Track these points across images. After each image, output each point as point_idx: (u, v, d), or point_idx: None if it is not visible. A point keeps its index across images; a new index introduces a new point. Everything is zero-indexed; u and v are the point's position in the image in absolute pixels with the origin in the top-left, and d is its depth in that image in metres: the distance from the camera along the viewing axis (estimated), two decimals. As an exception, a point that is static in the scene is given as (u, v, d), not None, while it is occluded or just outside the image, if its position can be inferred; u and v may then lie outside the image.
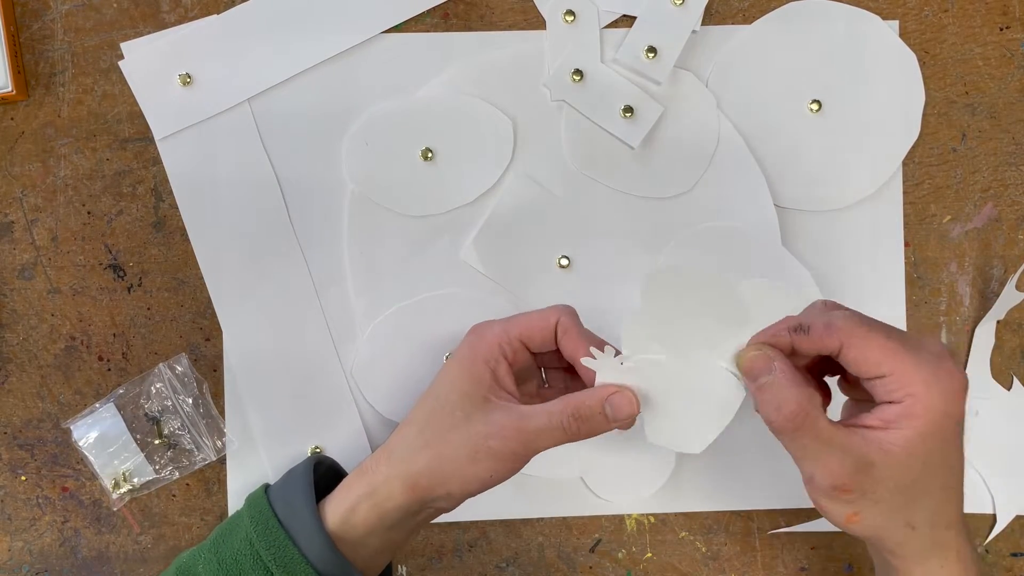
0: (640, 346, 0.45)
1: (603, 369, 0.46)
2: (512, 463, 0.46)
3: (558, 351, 0.48)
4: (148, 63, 0.55)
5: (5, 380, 0.55)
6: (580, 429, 0.45)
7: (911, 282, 0.58)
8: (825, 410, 0.43)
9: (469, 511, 0.57)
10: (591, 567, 0.57)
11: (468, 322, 0.56)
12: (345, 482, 0.48)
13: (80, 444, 0.54)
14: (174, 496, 0.56)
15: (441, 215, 0.56)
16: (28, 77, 0.55)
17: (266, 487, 0.50)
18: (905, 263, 0.58)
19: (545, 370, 0.52)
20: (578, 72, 0.56)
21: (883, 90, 0.57)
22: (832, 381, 0.46)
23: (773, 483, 0.57)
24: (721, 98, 0.57)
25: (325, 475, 0.51)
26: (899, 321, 0.58)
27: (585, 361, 0.46)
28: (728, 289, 0.44)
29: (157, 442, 0.55)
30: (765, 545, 0.58)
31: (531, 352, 0.49)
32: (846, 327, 0.41)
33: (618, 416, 0.45)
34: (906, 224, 0.58)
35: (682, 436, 0.46)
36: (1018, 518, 0.58)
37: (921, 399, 0.40)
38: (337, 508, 0.47)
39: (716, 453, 0.57)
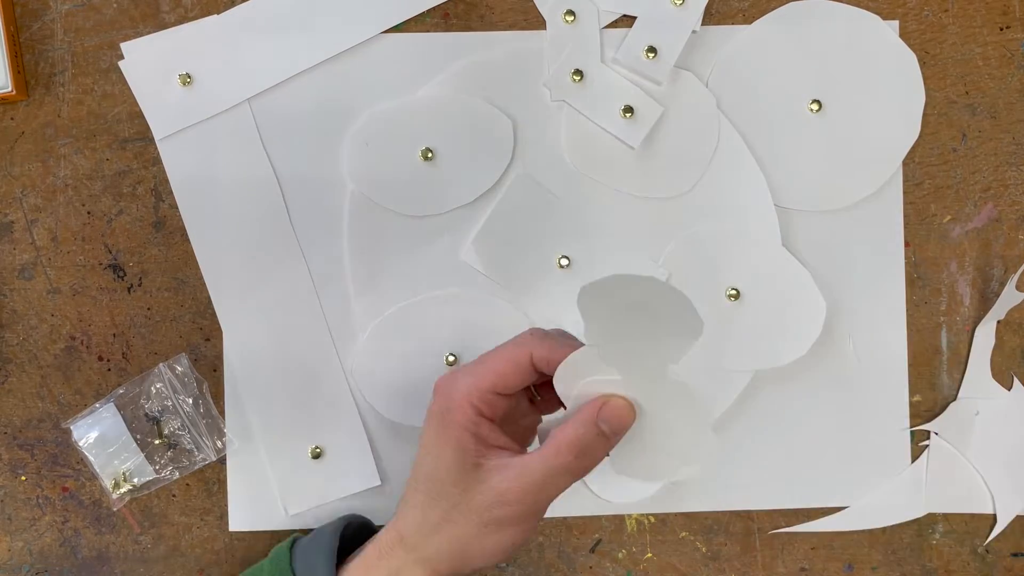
0: (593, 368, 0.40)
1: (577, 376, 0.41)
2: (528, 522, 0.43)
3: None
4: (148, 63, 0.55)
5: (5, 380, 0.56)
6: (585, 465, 0.42)
7: (911, 282, 0.58)
8: None
9: (469, 511, 0.57)
10: (591, 567, 0.57)
11: (468, 322, 0.56)
12: (364, 560, 0.46)
13: (80, 444, 0.54)
14: (174, 496, 0.56)
15: (441, 215, 0.56)
16: (28, 77, 0.55)
17: (293, 541, 0.48)
18: (905, 263, 0.58)
19: (535, 385, 0.47)
20: (578, 72, 0.56)
21: (883, 90, 0.57)
22: None
23: (773, 483, 0.57)
24: (721, 98, 0.57)
25: (357, 534, 0.49)
26: (899, 321, 0.58)
27: (558, 387, 0.41)
28: (663, 291, 0.38)
29: (157, 442, 0.55)
30: (765, 545, 0.58)
31: (509, 395, 0.44)
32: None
33: (619, 429, 0.41)
34: (906, 224, 0.58)
35: (651, 465, 0.42)
36: (1018, 518, 0.58)
37: None
38: None
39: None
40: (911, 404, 0.58)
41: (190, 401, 0.55)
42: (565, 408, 0.42)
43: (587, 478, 0.56)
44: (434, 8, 0.56)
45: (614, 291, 0.38)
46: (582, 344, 0.42)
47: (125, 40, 0.55)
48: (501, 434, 0.43)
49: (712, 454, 0.41)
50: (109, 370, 0.56)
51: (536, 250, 0.56)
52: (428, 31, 0.56)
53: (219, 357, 0.56)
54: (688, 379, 0.40)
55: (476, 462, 0.42)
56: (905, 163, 0.58)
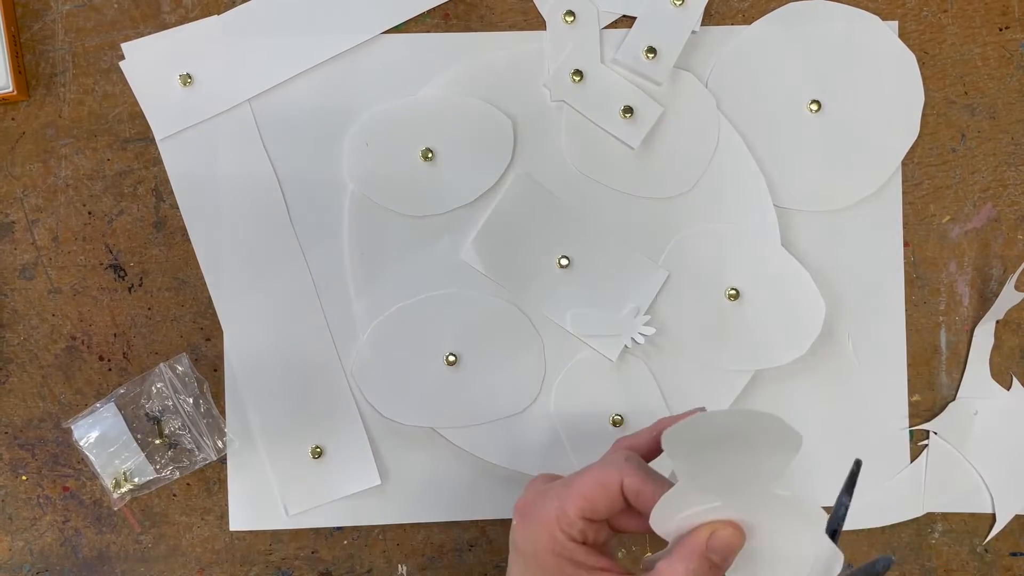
0: (691, 501, 0.39)
1: (674, 512, 0.39)
2: None
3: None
4: (149, 63, 0.55)
5: (6, 380, 0.56)
6: None
7: (910, 282, 0.58)
8: None
9: (469, 511, 0.57)
10: (591, 567, 0.57)
11: (468, 322, 0.56)
12: None
13: (81, 444, 0.55)
14: (175, 496, 0.56)
15: (441, 215, 0.56)
16: (29, 77, 0.55)
17: None
18: (905, 263, 0.58)
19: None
20: (578, 72, 0.56)
21: (883, 90, 0.57)
22: None
23: (773, 483, 0.57)
24: (721, 98, 0.57)
25: None
26: (899, 321, 0.58)
27: (657, 528, 0.39)
28: (750, 418, 0.37)
29: (158, 442, 0.55)
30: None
31: (597, 520, 0.41)
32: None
33: (729, 556, 0.39)
34: (905, 224, 0.58)
35: None
36: (1017, 518, 0.58)
37: None
38: None
39: (716, 453, 0.57)
40: (910, 404, 0.58)
41: (191, 401, 0.55)
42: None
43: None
44: (434, 8, 0.56)
45: (699, 428, 0.37)
46: (664, 475, 0.41)
47: (126, 40, 0.55)
48: (599, 555, 0.41)
49: (833, 561, 0.40)
50: (110, 370, 0.56)
51: (536, 250, 0.56)
52: (428, 31, 0.56)
53: (219, 357, 0.56)
54: (794, 491, 0.39)
55: None
56: (904, 163, 0.58)
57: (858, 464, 0.42)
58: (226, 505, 0.56)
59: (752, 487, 0.39)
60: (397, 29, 0.56)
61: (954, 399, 0.58)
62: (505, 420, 0.56)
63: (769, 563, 0.40)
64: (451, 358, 0.56)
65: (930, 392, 0.58)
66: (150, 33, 0.55)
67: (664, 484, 0.40)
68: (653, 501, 0.39)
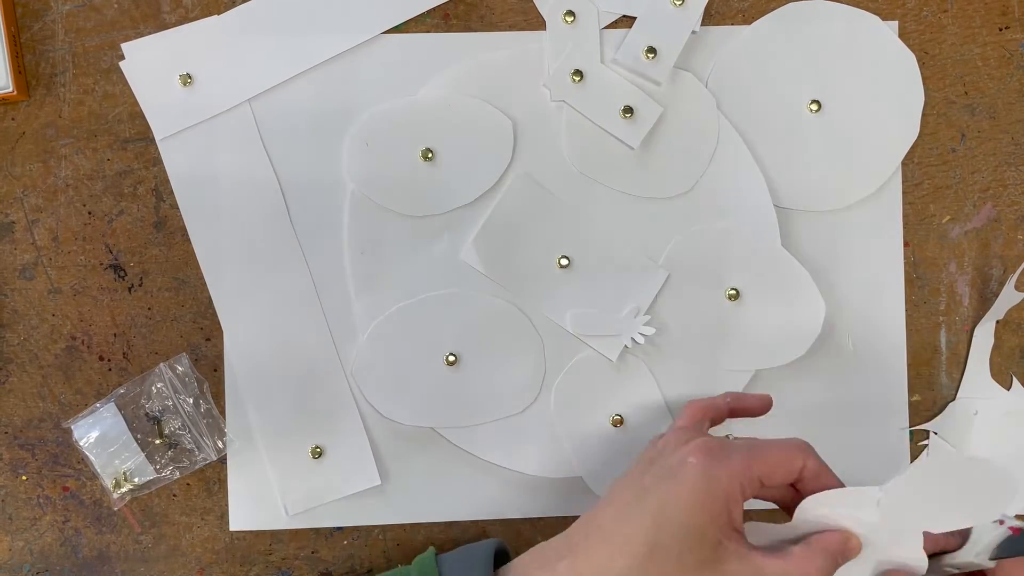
0: (854, 505, 0.42)
1: (835, 506, 0.42)
2: None
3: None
4: (149, 63, 0.55)
5: (6, 380, 0.56)
6: None
7: (910, 282, 0.58)
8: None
9: (469, 511, 0.57)
10: None
11: (468, 322, 0.56)
12: (518, 567, 0.44)
13: (81, 444, 0.55)
14: (175, 496, 0.56)
15: (441, 215, 0.56)
16: (29, 77, 0.55)
17: (436, 553, 0.47)
18: (905, 263, 0.58)
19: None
20: (578, 72, 0.56)
21: (883, 90, 0.57)
22: None
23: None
24: (721, 98, 0.57)
25: (496, 559, 0.47)
26: (899, 321, 0.58)
27: (810, 504, 0.42)
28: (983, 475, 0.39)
29: (158, 442, 0.55)
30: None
31: (767, 487, 0.43)
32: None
33: (843, 563, 0.42)
34: (906, 224, 0.58)
35: None
36: (1018, 518, 0.58)
37: None
38: None
39: (716, 453, 0.57)
40: (910, 404, 0.58)
41: (191, 401, 0.55)
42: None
43: (587, 478, 0.56)
44: (434, 8, 0.56)
45: (950, 468, 0.40)
46: (837, 479, 0.44)
47: (126, 40, 0.55)
48: (741, 521, 0.42)
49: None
50: (110, 370, 0.56)
51: (536, 250, 0.56)
52: (428, 31, 0.56)
53: (219, 357, 0.56)
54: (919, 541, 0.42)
55: (719, 539, 0.41)
56: (904, 163, 0.58)
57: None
58: (226, 505, 0.56)
59: (911, 527, 0.41)
60: (397, 29, 0.56)
61: (954, 399, 0.58)
62: (505, 420, 0.56)
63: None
64: (451, 358, 0.56)
65: (930, 392, 0.58)
66: (150, 33, 0.55)
67: (834, 478, 0.43)
68: (822, 487, 0.42)
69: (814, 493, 0.43)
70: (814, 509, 0.42)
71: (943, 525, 0.41)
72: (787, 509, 0.45)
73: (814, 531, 0.43)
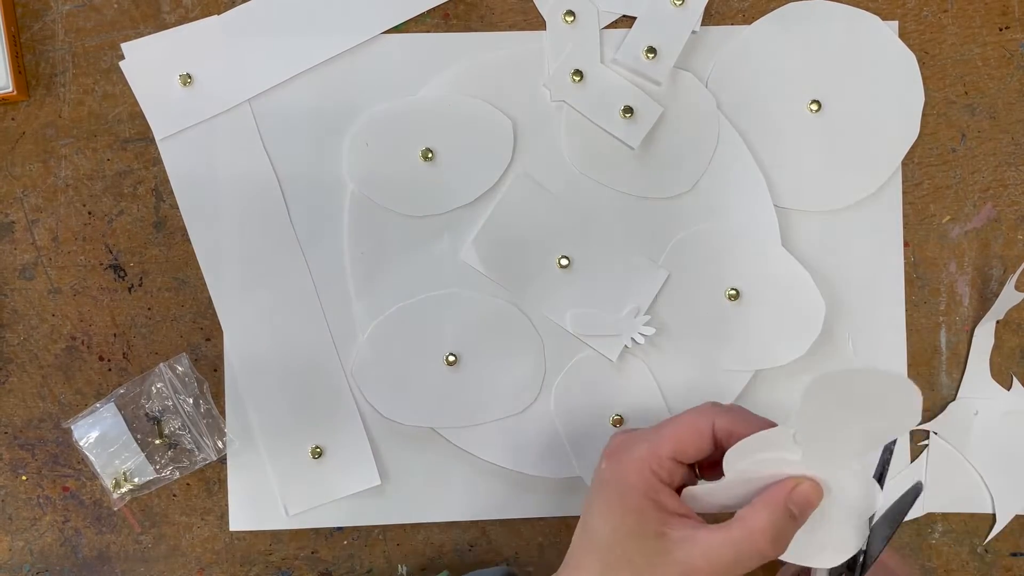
0: (773, 446, 0.40)
1: (754, 451, 0.40)
2: None
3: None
4: (149, 63, 0.55)
5: (6, 380, 0.56)
6: (778, 551, 0.40)
7: (911, 282, 0.58)
8: None
9: (469, 511, 0.57)
10: (591, 567, 0.57)
11: (468, 322, 0.56)
12: None
13: (81, 444, 0.55)
14: (175, 496, 0.56)
15: (441, 215, 0.56)
16: (29, 77, 0.55)
17: None
18: (905, 263, 0.58)
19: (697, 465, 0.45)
20: (578, 72, 0.56)
21: (883, 90, 0.57)
22: None
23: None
24: (721, 98, 0.57)
25: None
26: (899, 321, 0.58)
27: (731, 458, 0.40)
28: (892, 383, 0.38)
29: (158, 442, 0.55)
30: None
31: (686, 463, 0.43)
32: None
33: (806, 513, 0.40)
34: (906, 224, 0.58)
35: (817, 549, 0.41)
36: (1017, 518, 0.58)
37: None
38: None
39: (716, 453, 0.57)
40: (910, 404, 0.58)
41: (191, 401, 0.55)
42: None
43: (587, 478, 0.56)
44: (434, 8, 0.56)
45: (839, 383, 0.38)
46: (762, 419, 0.42)
47: (126, 40, 0.55)
48: (681, 502, 0.42)
49: (858, 546, 0.42)
50: (110, 370, 0.56)
51: (536, 250, 0.56)
52: (428, 31, 0.56)
53: (219, 357, 0.56)
54: (869, 472, 0.41)
55: (659, 530, 0.40)
56: (904, 163, 0.58)
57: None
58: (226, 505, 0.56)
59: (843, 453, 0.40)
60: (397, 29, 0.56)
61: (954, 399, 0.58)
62: (505, 420, 0.56)
63: (812, 532, 0.41)
64: (451, 358, 0.56)
65: (930, 392, 0.58)
66: (150, 33, 0.55)
67: (755, 427, 0.41)
68: (741, 437, 0.40)
69: None
70: (736, 462, 0.41)
71: (865, 442, 0.40)
72: None
73: (752, 482, 0.41)
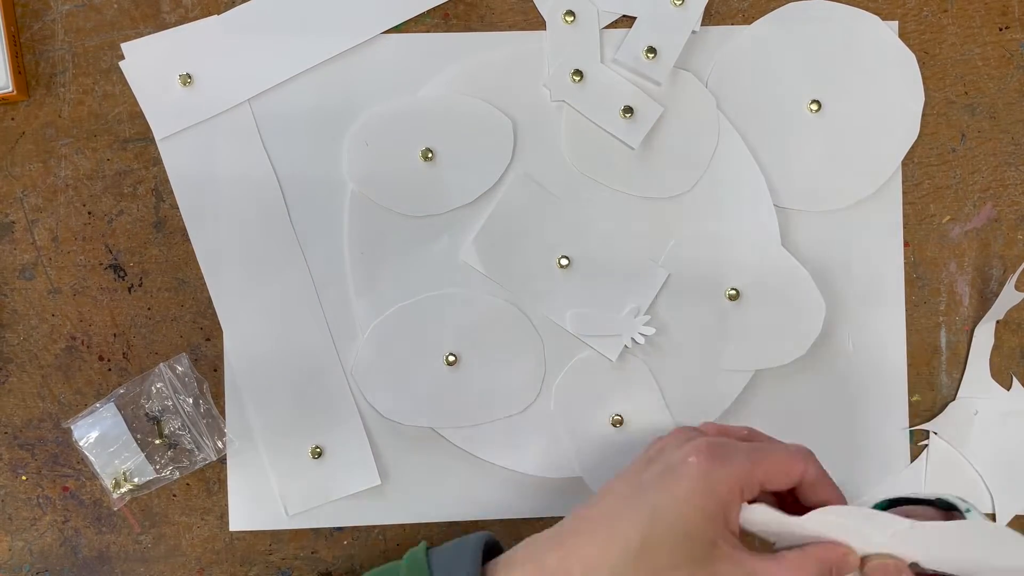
0: (854, 522, 0.42)
1: (853, 529, 0.41)
2: None
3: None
4: (148, 63, 0.55)
5: (5, 380, 0.56)
6: None
7: (911, 282, 0.58)
8: None
9: (469, 511, 0.57)
10: None
11: (468, 322, 0.56)
12: (509, 560, 0.43)
13: (80, 444, 0.55)
14: (175, 496, 0.56)
15: (441, 215, 0.56)
16: (29, 77, 0.55)
17: (427, 547, 0.46)
18: (905, 263, 0.58)
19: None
20: (578, 72, 0.56)
21: (883, 90, 0.57)
22: None
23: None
24: (721, 98, 0.57)
25: (489, 552, 0.47)
26: (899, 321, 0.58)
27: (815, 516, 0.41)
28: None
29: (157, 442, 0.55)
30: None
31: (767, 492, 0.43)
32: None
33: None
34: (906, 224, 0.58)
35: None
36: (1017, 518, 0.58)
37: None
38: None
39: (716, 453, 0.57)
40: (910, 404, 0.58)
41: (190, 401, 0.55)
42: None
43: (587, 478, 0.56)
44: (434, 8, 0.56)
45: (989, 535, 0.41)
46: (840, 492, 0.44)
47: (126, 40, 0.55)
48: (736, 521, 0.42)
49: None
50: (110, 370, 0.56)
51: (536, 250, 0.56)
52: (428, 31, 0.56)
53: (219, 357, 0.56)
54: None
55: (714, 540, 0.41)
56: (904, 163, 0.58)
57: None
58: (226, 505, 0.56)
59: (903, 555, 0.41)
60: (397, 29, 0.56)
61: (954, 399, 0.58)
62: (505, 420, 0.56)
63: None
64: (451, 358, 0.56)
65: (930, 392, 0.58)
66: (150, 33, 0.55)
67: (834, 488, 0.43)
68: (829, 495, 0.42)
69: (811, 500, 0.43)
70: (824, 515, 0.42)
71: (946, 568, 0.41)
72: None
73: (816, 536, 0.42)
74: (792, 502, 0.44)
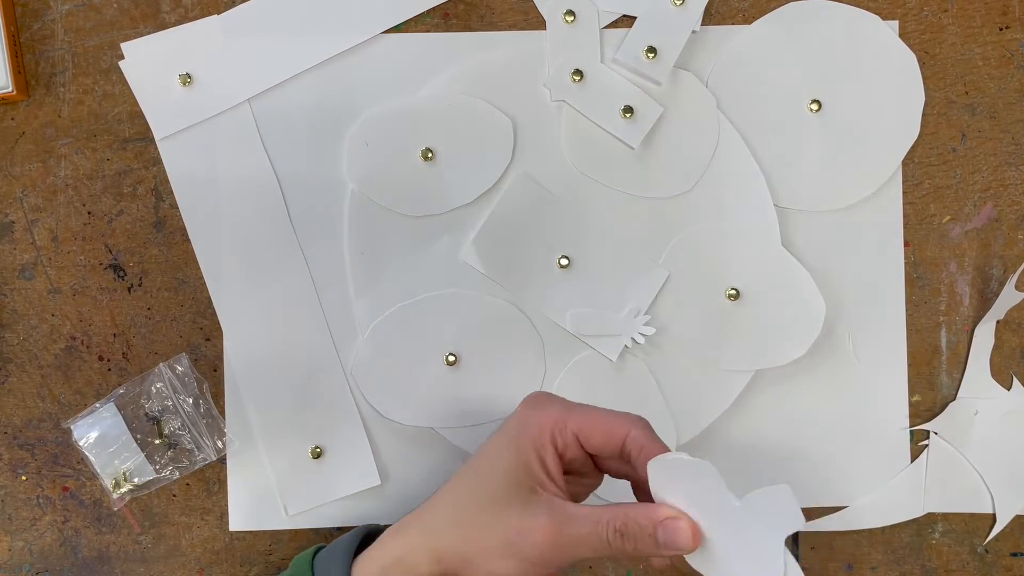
0: (687, 476, 0.41)
1: (661, 482, 0.41)
2: (542, 568, 0.42)
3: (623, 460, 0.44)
4: (148, 63, 0.55)
5: (5, 380, 0.56)
6: (625, 547, 0.41)
7: (911, 282, 0.58)
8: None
9: (469, 511, 0.57)
10: (591, 567, 0.57)
11: (468, 322, 0.56)
12: (381, 538, 0.47)
13: (80, 444, 0.55)
14: (174, 496, 0.56)
15: (441, 215, 0.56)
16: (28, 77, 0.55)
17: (317, 549, 0.49)
18: (905, 263, 0.58)
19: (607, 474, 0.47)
20: (578, 72, 0.56)
21: (883, 90, 0.57)
22: None
23: (773, 483, 0.57)
24: (721, 98, 0.57)
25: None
26: (899, 321, 0.58)
27: (651, 464, 0.41)
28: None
29: (157, 442, 0.55)
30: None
31: (585, 450, 0.44)
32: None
33: (670, 545, 0.40)
34: (906, 224, 0.58)
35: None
36: (1017, 518, 0.58)
37: None
38: (369, 567, 0.46)
39: (715, 453, 0.57)
40: (910, 404, 0.58)
41: (190, 401, 0.55)
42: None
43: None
44: (434, 8, 0.56)
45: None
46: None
47: (125, 40, 0.55)
48: (560, 474, 0.44)
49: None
50: (109, 370, 0.56)
51: (536, 250, 0.56)
52: (428, 31, 0.56)
53: (219, 357, 0.56)
54: (752, 508, 0.40)
55: (532, 487, 0.43)
56: (905, 163, 0.58)
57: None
58: (226, 505, 0.56)
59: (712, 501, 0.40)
60: (397, 29, 0.56)
61: (954, 399, 0.58)
62: (505, 420, 0.56)
63: (726, 564, 0.41)
64: (451, 358, 0.56)
65: (930, 392, 0.58)
66: (150, 33, 0.55)
67: (664, 449, 0.43)
68: (651, 458, 0.41)
69: (640, 465, 0.42)
70: (659, 480, 0.41)
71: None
72: (637, 487, 0.45)
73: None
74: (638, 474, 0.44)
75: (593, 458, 0.46)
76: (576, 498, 0.46)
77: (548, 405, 0.45)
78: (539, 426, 0.44)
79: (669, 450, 0.43)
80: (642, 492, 0.44)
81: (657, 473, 0.41)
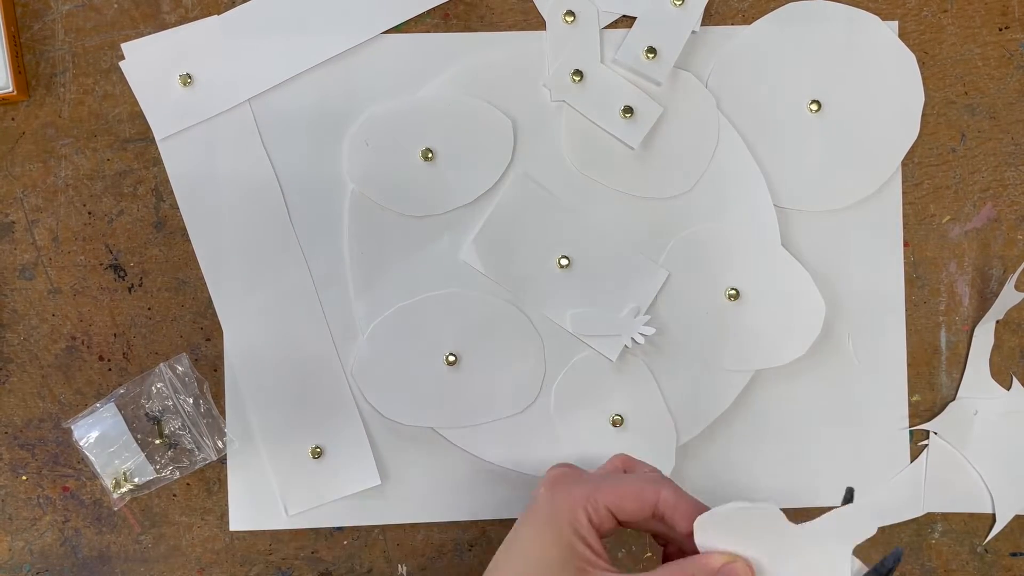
0: (736, 526, 0.41)
1: (709, 532, 0.41)
2: None
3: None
4: (149, 63, 0.55)
5: (6, 380, 0.56)
6: None
7: (910, 282, 0.58)
8: None
9: (469, 511, 0.57)
10: None
11: (468, 322, 0.56)
12: None
13: (81, 444, 0.55)
14: (175, 496, 0.56)
15: (441, 215, 0.56)
16: (29, 77, 0.55)
17: None
18: (905, 263, 0.58)
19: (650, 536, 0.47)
20: (578, 72, 0.56)
21: (883, 90, 0.57)
22: None
23: (773, 483, 0.58)
24: (721, 98, 0.57)
25: None
26: (899, 321, 0.58)
27: (704, 518, 0.41)
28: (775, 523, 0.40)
29: (158, 442, 0.55)
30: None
31: (617, 520, 0.44)
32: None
33: None
34: (905, 224, 0.58)
35: None
36: (1017, 518, 0.58)
37: None
38: None
39: (715, 453, 0.57)
40: (910, 404, 0.58)
41: (191, 401, 0.55)
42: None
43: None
44: (434, 8, 0.56)
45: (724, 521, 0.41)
46: (701, 504, 0.43)
47: (126, 40, 0.55)
48: (604, 549, 0.43)
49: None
50: (110, 370, 0.56)
51: (536, 250, 0.56)
52: (428, 31, 0.56)
53: (219, 357, 0.56)
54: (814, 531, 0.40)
55: (580, 567, 0.42)
56: (904, 163, 0.58)
57: (849, 492, 0.44)
58: (226, 505, 0.56)
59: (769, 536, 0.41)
60: (397, 29, 0.56)
61: (954, 399, 0.58)
62: (505, 420, 0.56)
63: None
64: (451, 358, 0.56)
65: (930, 392, 0.58)
66: (150, 33, 0.55)
67: (697, 504, 0.43)
68: (686, 514, 0.42)
69: (680, 525, 0.42)
70: (706, 532, 0.41)
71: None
72: (667, 543, 0.46)
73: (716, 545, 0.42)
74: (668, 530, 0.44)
75: (620, 522, 0.45)
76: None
77: (573, 484, 0.44)
78: (571, 507, 0.43)
79: (697, 501, 0.43)
80: (671, 544, 0.45)
81: (705, 524, 0.41)
